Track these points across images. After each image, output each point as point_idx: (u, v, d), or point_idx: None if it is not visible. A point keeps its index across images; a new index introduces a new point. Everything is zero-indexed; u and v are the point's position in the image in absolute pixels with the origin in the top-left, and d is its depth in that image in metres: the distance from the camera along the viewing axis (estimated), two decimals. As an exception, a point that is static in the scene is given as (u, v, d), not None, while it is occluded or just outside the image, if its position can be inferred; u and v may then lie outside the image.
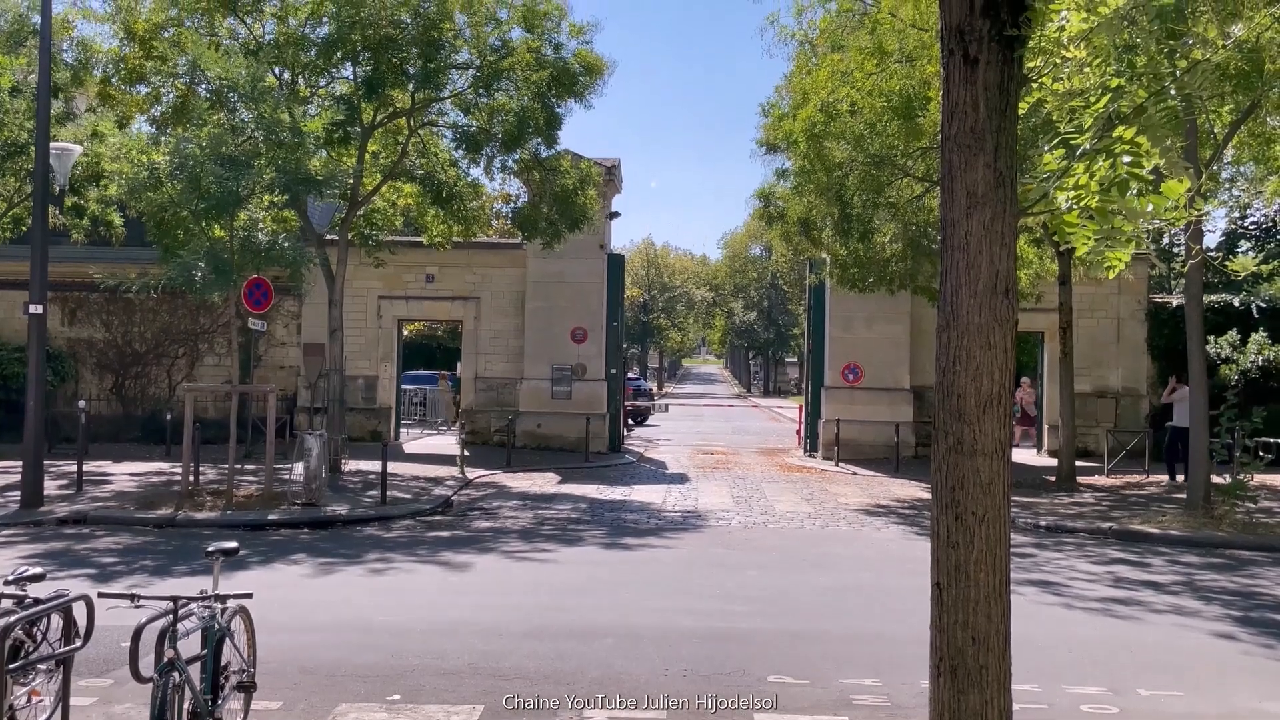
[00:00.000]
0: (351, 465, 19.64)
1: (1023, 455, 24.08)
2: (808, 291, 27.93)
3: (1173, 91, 4.72)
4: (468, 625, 8.94)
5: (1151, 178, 4.28)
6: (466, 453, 20.70)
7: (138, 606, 5.17)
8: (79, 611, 5.62)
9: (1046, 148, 4.50)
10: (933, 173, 17.14)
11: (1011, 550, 4.49)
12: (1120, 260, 4.59)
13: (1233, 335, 19.05)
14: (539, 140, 18.95)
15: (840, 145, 17.46)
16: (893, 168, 17.38)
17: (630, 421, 35.56)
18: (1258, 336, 21.10)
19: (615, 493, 18.38)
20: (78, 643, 5.62)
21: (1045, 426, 24.76)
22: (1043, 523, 15.26)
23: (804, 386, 29.05)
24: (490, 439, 24.69)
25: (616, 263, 26.38)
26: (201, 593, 5.53)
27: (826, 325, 25.21)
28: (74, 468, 16.72)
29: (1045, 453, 24.43)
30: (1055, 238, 4.45)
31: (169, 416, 22.25)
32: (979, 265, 4.30)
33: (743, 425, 37.95)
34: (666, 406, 47.07)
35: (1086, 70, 4.66)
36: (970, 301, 4.32)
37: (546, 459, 22.90)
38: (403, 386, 28.25)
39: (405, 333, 30.87)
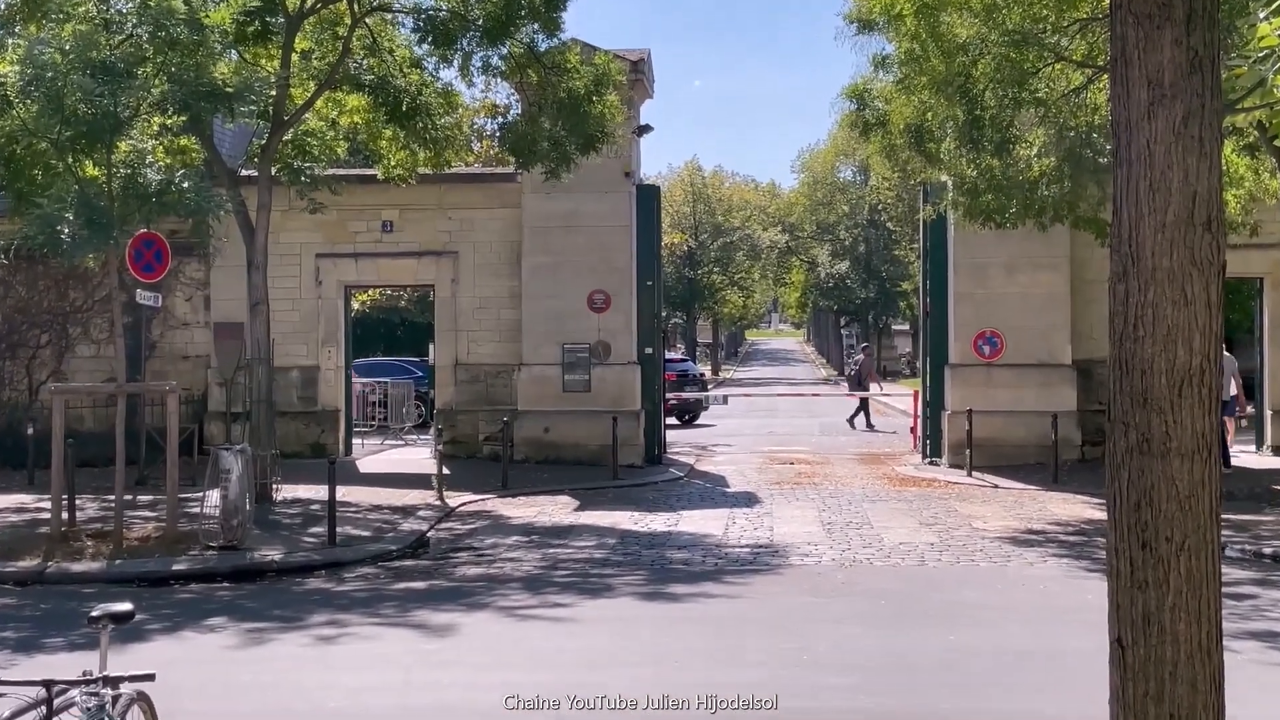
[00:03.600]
0: (287, 492, 19.81)
1: (1239, 456, 23.84)
2: (922, 230, 27.78)
3: None
4: (452, 712, 9.00)
5: None
6: (446, 470, 20.83)
7: (-2, 695, 5.26)
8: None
9: (1262, 15, 4.44)
10: (1098, 55, 16.96)
11: (1223, 590, 4.46)
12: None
13: None
14: (535, 25, 18.95)
15: (964, 18, 17.31)
16: (1040, 49, 17.21)
17: (675, 420, 35.60)
18: None
19: (656, 522, 18.43)
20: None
21: (1267, 413, 24.51)
22: (1266, 550, 15.13)
23: (920, 365, 28.96)
24: (479, 450, 24.84)
25: (649, 197, 26.38)
26: (85, 674, 5.58)
27: (950, 277, 25.08)
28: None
29: (1268, 450, 24.21)
30: (1277, 142, 4.40)
31: (31, 430, 22.51)
32: (1168, 186, 4.27)
33: (834, 422, 37.86)
34: (725, 398, 47.20)
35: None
36: (1157, 237, 4.29)
37: (558, 476, 23.01)
38: (355, 380, 28.46)
39: (356, 305, 31.10)
